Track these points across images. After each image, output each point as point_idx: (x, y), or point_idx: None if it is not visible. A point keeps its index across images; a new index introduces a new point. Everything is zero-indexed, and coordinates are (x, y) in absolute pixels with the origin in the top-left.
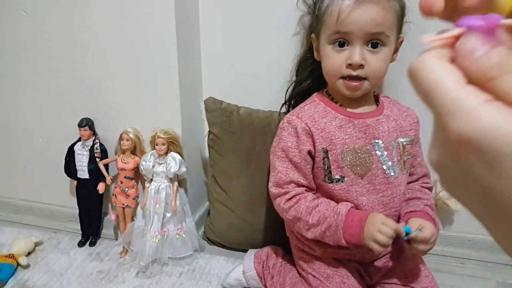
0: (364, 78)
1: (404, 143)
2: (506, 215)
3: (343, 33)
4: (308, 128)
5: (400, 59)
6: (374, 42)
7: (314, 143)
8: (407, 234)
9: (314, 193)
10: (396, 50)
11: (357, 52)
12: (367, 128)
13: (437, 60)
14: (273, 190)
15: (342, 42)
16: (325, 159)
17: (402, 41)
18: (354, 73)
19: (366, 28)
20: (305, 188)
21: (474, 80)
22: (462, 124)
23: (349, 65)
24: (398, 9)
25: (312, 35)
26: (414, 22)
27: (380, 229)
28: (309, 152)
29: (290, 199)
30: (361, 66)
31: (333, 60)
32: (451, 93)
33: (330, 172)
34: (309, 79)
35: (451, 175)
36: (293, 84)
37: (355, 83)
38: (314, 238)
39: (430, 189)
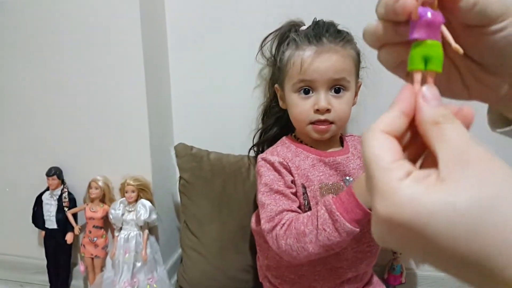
0: (331, 122)
1: None
2: (455, 274)
3: (307, 81)
4: (285, 163)
5: (359, 102)
6: (337, 87)
7: (293, 177)
8: None
9: None
10: (356, 94)
11: (322, 98)
12: (338, 166)
13: (380, 135)
14: (266, 226)
15: (307, 90)
16: (305, 194)
17: (360, 85)
18: (322, 117)
19: (328, 74)
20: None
21: (423, 121)
22: (384, 204)
23: (317, 111)
24: (355, 56)
25: (276, 85)
26: (369, 67)
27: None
28: (292, 182)
29: (284, 224)
30: (328, 110)
31: (301, 107)
32: (381, 173)
33: (309, 208)
34: (275, 126)
35: (395, 246)
36: (260, 131)
37: (323, 127)
38: (321, 247)
39: None
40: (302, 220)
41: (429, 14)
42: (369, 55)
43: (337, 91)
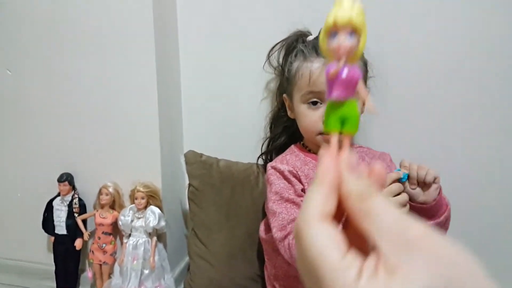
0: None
1: None
2: None
3: (316, 93)
4: (295, 172)
5: (366, 111)
6: None
7: (303, 185)
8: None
9: None
10: (363, 104)
11: None
12: None
13: (319, 227)
14: (278, 235)
15: (315, 101)
16: None
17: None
18: None
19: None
20: None
21: (349, 196)
22: None
23: None
24: (362, 66)
25: (284, 95)
26: (376, 76)
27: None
28: (303, 190)
29: None
30: None
31: (310, 118)
32: (333, 275)
33: None
34: (283, 135)
35: None
36: (268, 140)
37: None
38: None
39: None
40: None
41: (345, 73)
42: (376, 64)
43: None
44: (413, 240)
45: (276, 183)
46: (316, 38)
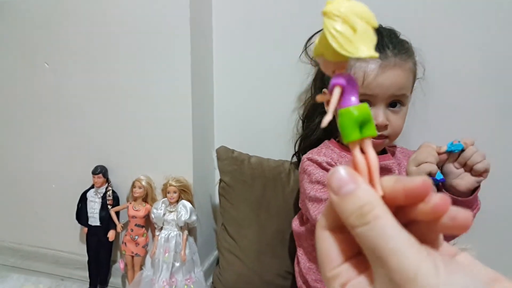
0: (386, 136)
1: None
2: None
3: (368, 96)
4: (333, 163)
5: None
6: (395, 102)
7: None
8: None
9: None
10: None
11: (381, 114)
12: (381, 171)
13: (322, 235)
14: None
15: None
16: None
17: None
18: (378, 133)
19: (391, 91)
20: None
21: (343, 220)
22: None
23: (375, 125)
24: (414, 69)
25: (325, 90)
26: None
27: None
28: None
29: None
30: (385, 126)
31: None
32: (324, 280)
33: None
34: (317, 132)
35: None
36: (301, 137)
37: (378, 141)
38: None
39: None
40: None
41: (343, 80)
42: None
43: (394, 105)
44: (402, 283)
45: (315, 172)
46: None
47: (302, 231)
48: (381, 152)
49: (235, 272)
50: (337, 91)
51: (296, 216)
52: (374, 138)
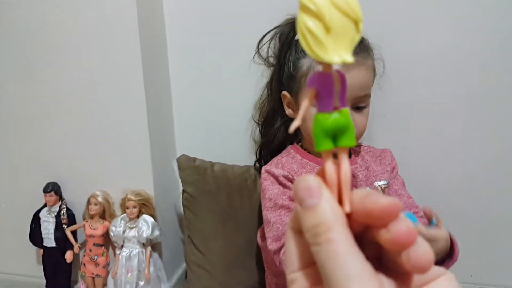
0: None
1: (383, 186)
2: None
3: None
4: (290, 176)
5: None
6: (359, 102)
7: None
8: None
9: None
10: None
11: None
12: None
13: (290, 235)
14: (272, 246)
15: None
16: None
17: None
18: None
19: (355, 92)
20: None
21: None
22: None
23: None
24: (374, 66)
25: (284, 92)
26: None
27: None
28: None
29: None
30: None
31: None
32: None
33: None
34: (278, 137)
35: None
36: (261, 143)
37: None
38: None
39: (423, 217)
40: None
41: (319, 81)
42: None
43: (359, 105)
44: None
45: (270, 189)
46: None
47: (266, 245)
48: (350, 156)
49: (205, 286)
50: (310, 94)
51: (259, 228)
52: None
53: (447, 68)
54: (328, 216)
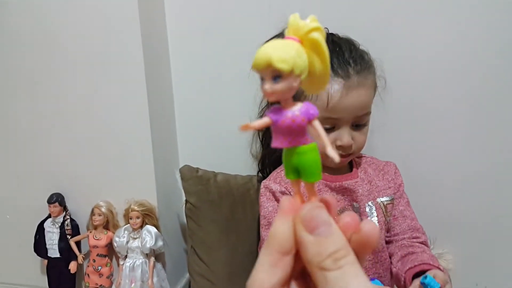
0: (350, 153)
1: (385, 202)
2: None
3: (333, 119)
4: (288, 192)
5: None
6: (359, 122)
7: None
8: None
9: None
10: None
11: (346, 135)
12: (345, 191)
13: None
14: None
15: (330, 127)
16: None
17: None
18: (344, 152)
19: (355, 112)
20: None
21: (308, 261)
22: None
23: (339, 146)
24: (375, 82)
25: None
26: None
27: None
28: None
29: None
30: (350, 146)
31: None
32: None
33: None
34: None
35: None
36: (262, 156)
37: (343, 159)
38: None
39: (424, 243)
40: None
41: (280, 119)
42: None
43: (358, 124)
44: None
45: (265, 206)
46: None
47: None
48: (347, 168)
49: None
50: (316, 125)
51: (260, 241)
52: (340, 156)
53: (448, 74)
54: (344, 241)
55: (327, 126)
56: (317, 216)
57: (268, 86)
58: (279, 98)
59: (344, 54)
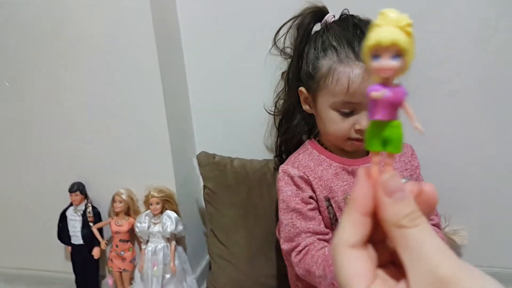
0: None
1: None
2: None
3: (353, 104)
4: (306, 177)
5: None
6: None
7: (314, 191)
8: None
9: (327, 240)
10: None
11: (365, 119)
12: None
13: (348, 253)
14: (284, 246)
15: (349, 111)
16: (329, 207)
17: None
18: (362, 137)
19: None
20: (317, 236)
21: (386, 221)
22: None
23: (358, 130)
24: None
25: (301, 88)
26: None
27: None
28: (311, 197)
29: (300, 251)
30: None
31: (340, 125)
32: None
33: (336, 220)
34: (298, 133)
35: None
36: (281, 140)
37: (361, 143)
38: None
39: (436, 225)
40: (317, 259)
41: (389, 93)
42: None
43: None
44: (446, 278)
45: (284, 190)
46: (346, 29)
47: None
48: (364, 151)
49: (228, 277)
50: (406, 103)
51: (278, 223)
52: (357, 140)
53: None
54: (416, 205)
55: (346, 111)
56: (395, 182)
57: (386, 62)
58: (390, 74)
59: (365, 35)
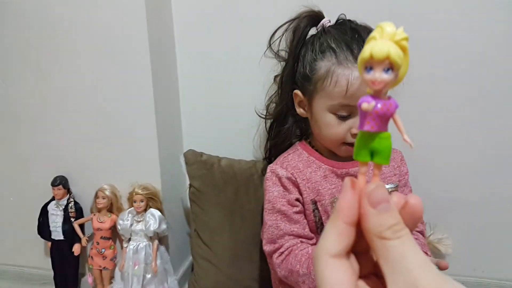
0: None
1: (389, 189)
2: None
3: (351, 107)
4: (294, 179)
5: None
6: None
7: (301, 194)
8: None
9: (312, 245)
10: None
11: None
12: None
13: (331, 263)
14: (267, 248)
15: (347, 115)
16: (315, 210)
17: None
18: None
19: None
20: (300, 239)
21: (368, 231)
22: None
23: (355, 135)
24: None
25: (296, 91)
26: None
27: None
28: (297, 200)
29: (283, 252)
30: None
31: (336, 129)
32: None
33: (322, 224)
34: (289, 136)
35: None
36: (272, 143)
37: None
38: None
39: (421, 233)
40: (300, 257)
41: (379, 105)
42: None
43: None
44: None
45: (271, 190)
46: (344, 32)
47: None
48: (350, 156)
49: (211, 280)
50: (396, 116)
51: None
52: (352, 145)
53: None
54: (400, 217)
55: (344, 114)
56: (381, 193)
57: (379, 75)
58: (382, 87)
59: (364, 39)
